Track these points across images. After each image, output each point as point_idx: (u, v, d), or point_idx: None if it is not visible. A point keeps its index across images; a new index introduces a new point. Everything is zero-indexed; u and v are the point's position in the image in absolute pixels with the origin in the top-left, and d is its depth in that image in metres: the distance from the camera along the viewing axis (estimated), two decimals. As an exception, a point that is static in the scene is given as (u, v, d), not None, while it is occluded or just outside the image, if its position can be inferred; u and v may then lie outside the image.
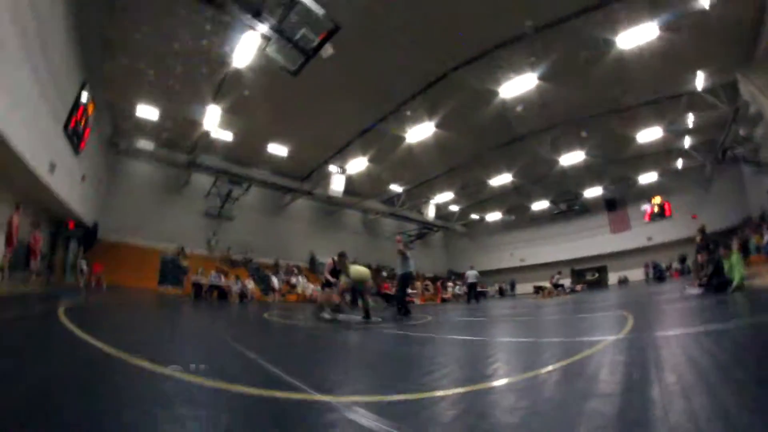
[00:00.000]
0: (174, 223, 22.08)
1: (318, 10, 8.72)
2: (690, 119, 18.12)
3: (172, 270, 19.44)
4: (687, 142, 21.56)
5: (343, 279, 8.66)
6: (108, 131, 18.87)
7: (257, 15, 9.11)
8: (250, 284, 18.52)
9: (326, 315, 8.44)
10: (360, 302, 9.22)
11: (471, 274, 20.80)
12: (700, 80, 15.54)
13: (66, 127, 12.09)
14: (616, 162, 23.51)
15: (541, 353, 3.88)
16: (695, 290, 9.85)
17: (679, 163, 23.86)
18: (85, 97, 12.80)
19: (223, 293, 17.02)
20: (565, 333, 5.73)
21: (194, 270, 18.18)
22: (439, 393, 2.21)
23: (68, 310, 5.64)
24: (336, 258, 9.44)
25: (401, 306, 10.05)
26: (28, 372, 2.34)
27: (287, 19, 9.02)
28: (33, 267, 12.76)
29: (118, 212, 20.41)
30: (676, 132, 19.88)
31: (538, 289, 23.59)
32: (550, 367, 2.84)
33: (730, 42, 13.39)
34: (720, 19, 11.95)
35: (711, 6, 11.24)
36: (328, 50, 9.32)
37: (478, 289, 22.34)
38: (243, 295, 17.47)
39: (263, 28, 9.33)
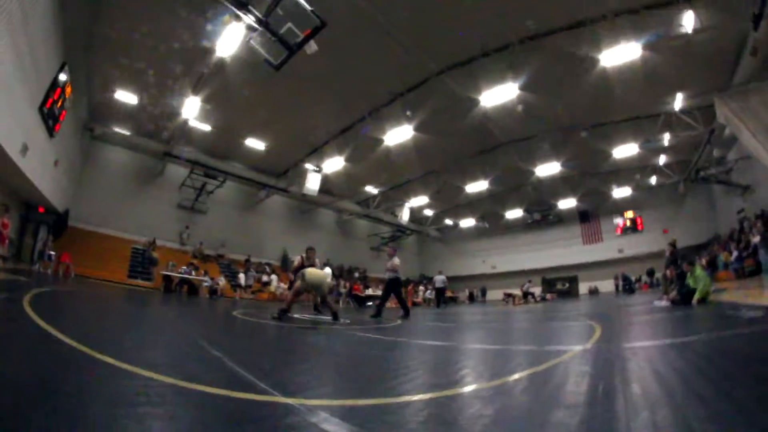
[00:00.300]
0: (146, 214, 21.78)
1: (306, 5, 8.70)
2: (666, 138, 18.60)
3: (142, 262, 19.08)
4: (662, 159, 22.25)
5: (298, 281, 8.40)
6: (84, 115, 18.49)
7: (244, 6, 9.03)
8: (222, 280, 18.25)
9: (293, 314, 8.32)
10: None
11: (439, 279, 21.25)
12: (679, 101, 16.01)
13: (42, 107, 11.85)
14: (592, 175, 24.08)
15: (508, 361, 3.88)
16: (663, 303, 10.05)
17: (653, 180, 24.52)
18: (63, 78, 12.55)
19: (193, 288, 16.75)
20: (534, 341, 5.75)
21: (165, 263, 17.88)
22: (405, 398, 2.18)
23: (33, 299, 5.50)
24: (304, 255, 9.29)
25: (383, 307, 10.65)
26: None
27: (274, 13, 8.98)
28: (0, 252, 12.44)
29: (90, 200, 20.03)
30: (651, 149, 20.38)
31: (508, 296, 23.86)
32: (516, 375, 2.84)
33: (710, 67, 13.88)
34: (701, 45, 12.37)
35: (694, 31, 11.58)
36: (312, 46, 9.32)
37: (448, 294, 22.58)
38: (213, 291, 17.24)
39: (249, 19, 9.25)
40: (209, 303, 12.93)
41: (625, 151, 20.33)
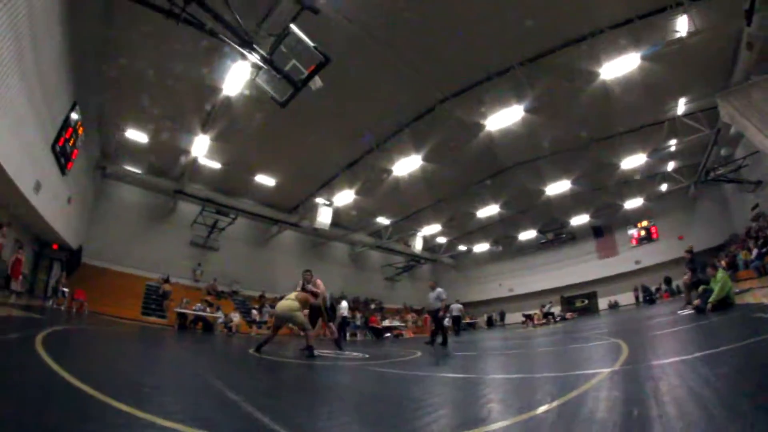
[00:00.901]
0: (159, 251, 21.88)
1: (309, 42, 8.77)
2: (673, 144, 18.44)
3: (156, 299, 19.11)
4: (670, 165, 22.01)
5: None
6: (96, 154, 18.79)
7: (248, 45, 9.14)
8: (236, 317, 18.11)
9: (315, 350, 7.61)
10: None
11: (455, 308, 21.79)
12: (681, 106, 15.96)
13: (54, 145, 12.09)
14: (602, 189, 23.76)
15: (535, 390, 3.74)
16: (687, 311, 9.82)
17: (664, 187, 24.17)
18: (75, 117, 12.82)
19: (208, 325, 16.68)
20: (559, 366, 5.59)
21: (178, 300, 17.88)
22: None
23: (46, 338, 5.46)
24: (301, 281, 8.67)
25: (437, 336, 11.89)
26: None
27: (278, 50, 9.05)
28: (14, 287, 12.59)
29: (103, 237, 20.19)
30: (659, 158, 20.20)
31: (528, 317, 23.56)
32: (545, 407, 2.73)
33: (708, 68, 13.86)
34: (697, 48, 12.36)
35: (689, 34, 11.61)
36: (317, 82, 9.34)
37: (466, 320, 22.65)
38: (228, 327, 17.17)
39: (254, 57, 9.35)
40: (224, 340, 12.76)
41: (633, 161, 20.05)
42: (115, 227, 20.91)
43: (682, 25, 11.70)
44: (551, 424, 2.41)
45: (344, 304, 18.09)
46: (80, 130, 13.61)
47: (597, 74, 13.34)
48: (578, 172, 20.88)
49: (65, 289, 15.78)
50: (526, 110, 14.59)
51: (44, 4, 8.69)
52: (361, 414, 3.17)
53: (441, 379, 5.16)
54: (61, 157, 12.81)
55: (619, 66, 12.93)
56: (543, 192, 22.88)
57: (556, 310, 27.34)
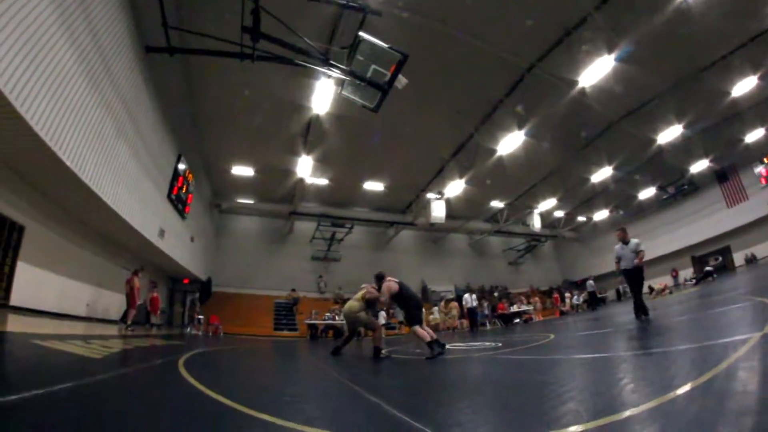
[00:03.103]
0: (283, 270, 23.77)
1: (381, 44, 8.86)
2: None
3: (286, 315, 20.53)
4: None
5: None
6: (209, 194, 20.67)
7: (326, 62, 9.44)
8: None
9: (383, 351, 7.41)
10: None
11: (589, 284, 21.97)
12: None
13: (169, 195, 13.76)
14: (717, 126, 21.07)
15: (680, 366, 3.40)
16: None
17: (785, 107, 20.85)
18: (182, 167, 14.37)
19: (338, 331, 17.48)
20: (702, 335, 5.10)
21: (307, 312, 18.93)
22: (571, 429, 2.01)
23: (187, 361, 5.94)
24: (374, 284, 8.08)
25: (639, 307, 8.71)
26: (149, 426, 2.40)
27: (355, 60, 9.20)
28: (154, 321, 14.48)
29: (229, 265, 22.16)
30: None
31: (651, 290, 22.20)
32: (696, 382, 2.52)
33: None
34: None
35: None
36: (402, 81, 9.33)
37: (598, 295, 21.85)
38: (357, 333, 17.85)
39: (335, 72, 9.63)
40: (355, 344, 12.78)
41: (744, 86, 17.59)
42: (238, 255, 22.81)
43: None
44: (699, 404, 2.22)
45: (471, 296, 18.70)
46: (190, 177, 15.13)
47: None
48: (688, 111, 18.98)
49: (200, 317, 17.49)
50: (618, 57, 13.56)
51: (129, 79, 9.65)
52: (501, 405, 3.09)
53: (578, 361, 4.99)
54: (178, 204, 14.41)
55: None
56: (654, 140, 20.98)
57: (688, 272, 25.55)
